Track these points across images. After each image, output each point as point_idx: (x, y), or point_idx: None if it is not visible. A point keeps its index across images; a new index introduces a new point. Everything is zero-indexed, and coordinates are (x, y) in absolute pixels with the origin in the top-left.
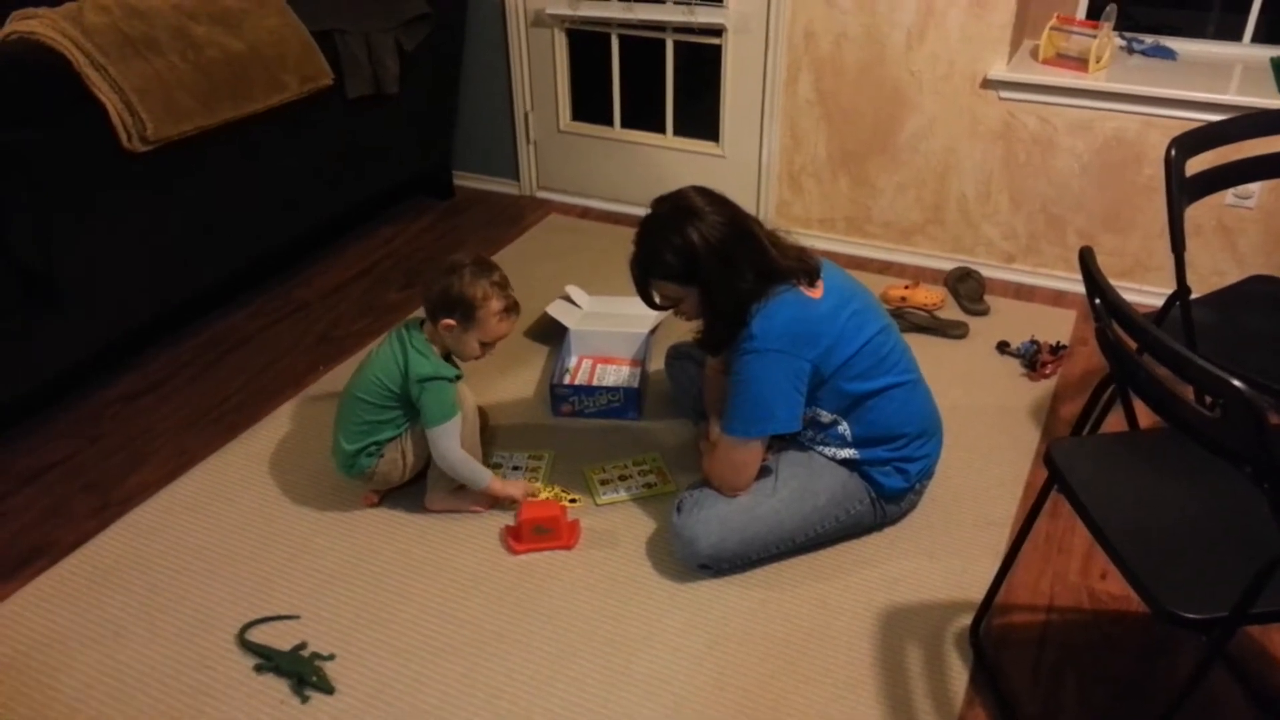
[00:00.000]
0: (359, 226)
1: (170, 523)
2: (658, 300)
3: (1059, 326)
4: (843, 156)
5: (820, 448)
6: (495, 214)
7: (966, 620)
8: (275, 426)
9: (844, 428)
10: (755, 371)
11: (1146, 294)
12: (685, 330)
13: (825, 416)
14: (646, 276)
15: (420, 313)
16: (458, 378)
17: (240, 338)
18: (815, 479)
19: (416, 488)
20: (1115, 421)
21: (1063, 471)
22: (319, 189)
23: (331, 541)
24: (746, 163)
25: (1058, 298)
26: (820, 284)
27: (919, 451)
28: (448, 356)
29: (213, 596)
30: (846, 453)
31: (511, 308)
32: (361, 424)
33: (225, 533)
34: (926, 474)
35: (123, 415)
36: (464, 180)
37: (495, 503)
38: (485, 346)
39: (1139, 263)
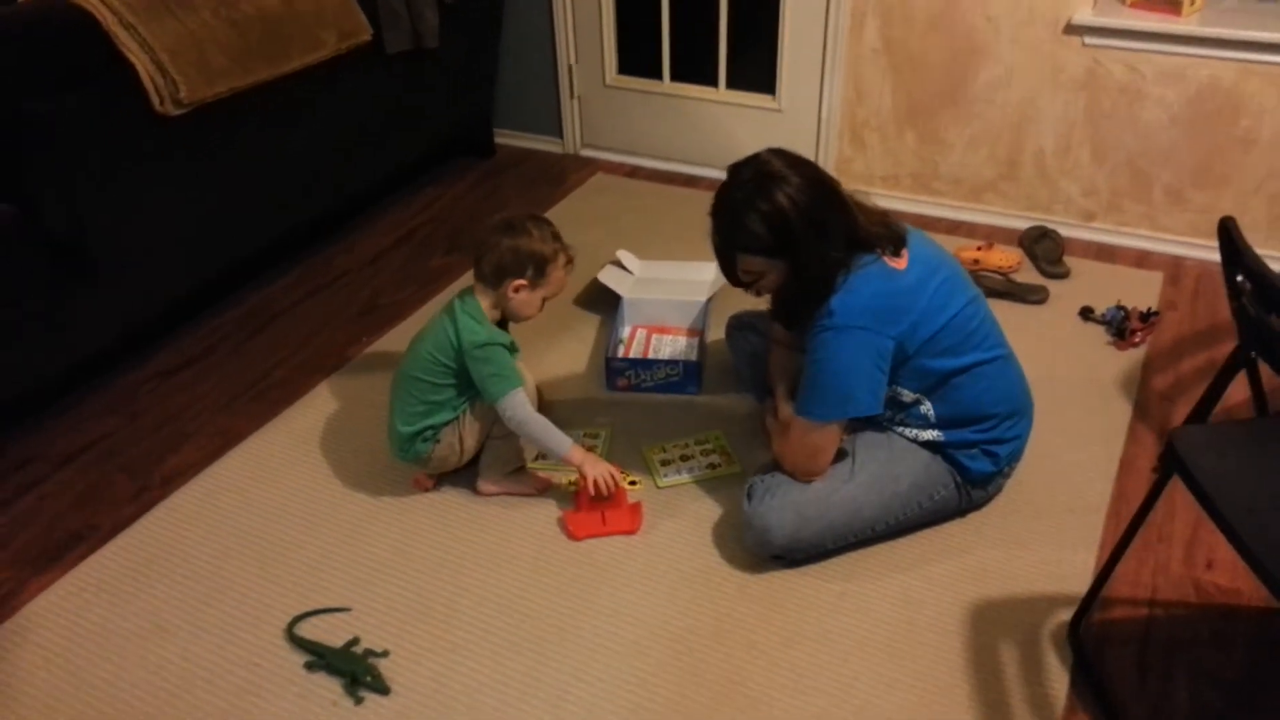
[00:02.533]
0: (398, 189)
1: (212, 506)
2: (742, 277)
3: (1145, 290)
4: (909, 109)
5: (900, 429)
6: (538, 173)
7: (1063, 616)
8: (319, 403)
9: (926, 408)
10: (835, 350)
11: None
12: (745, 298)
13: (907, 396)
14: (732, 250)
15: (467, 279)
16: (514, 346)
17: (279, 309)
18: (895, 463)
19: (468, 471)
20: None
21: (1186, 462)
22: (358, 152)
23: (383, 527)
24: (805, 117)
25: (1142, 258)
26: (905, 253)
27: (1009, 433)
28: (501, 325)
29: (259, 587)
30: (929, 434)
31: (571, 260)
32: (417, 405)
33: (270, 518)
34: (1016, 456)
35: (160, 392)
36: (505, 139)
37: (547, 487)
38: (543, 304)
39: None
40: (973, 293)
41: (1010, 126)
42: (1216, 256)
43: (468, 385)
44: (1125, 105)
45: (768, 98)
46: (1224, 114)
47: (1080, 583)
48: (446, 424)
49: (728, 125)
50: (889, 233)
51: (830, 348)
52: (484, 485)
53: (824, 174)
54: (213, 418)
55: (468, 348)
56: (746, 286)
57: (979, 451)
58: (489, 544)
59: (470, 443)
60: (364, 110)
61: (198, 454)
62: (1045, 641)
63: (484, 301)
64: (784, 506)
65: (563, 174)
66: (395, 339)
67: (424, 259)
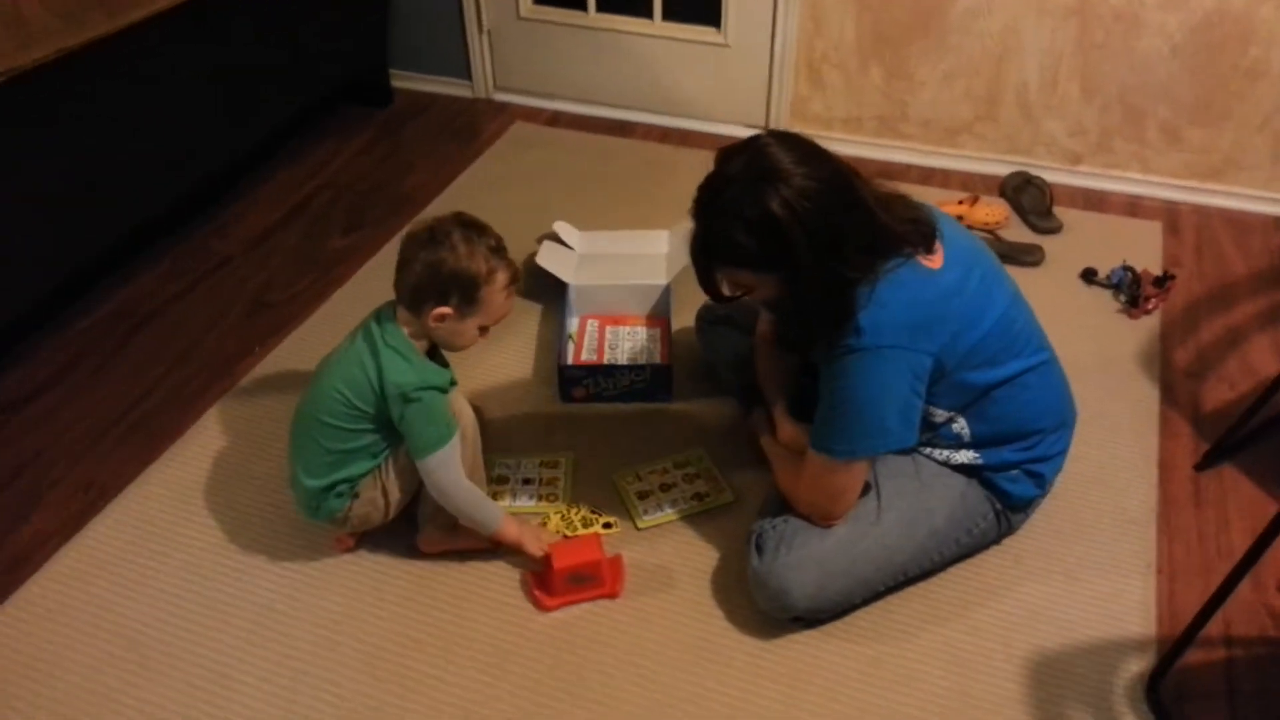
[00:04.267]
0: (280, 151)
1: (81, 595)
2: (725, 291)
3: (1145, 243)
4: (875, 41)
5: (928, 450)
6: (446, 124)
7: (1132, 666)
8: (206, 438)
9: (961, 425)
10: (865, 376)
11: (1237, 197)
12: None
13: (939, 415)
14: (711, 262)
15: (377, 267)
16: (452, 384)
17: (148, 310)
18: (927, 494)
19: (403, 523)
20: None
21: None
22: (228, 110)
23: (300, 607)
24: (755, 52)
25: (1133, 205)
26: (939, 247)
27: (1054, 448)
28: (432, 352)
29: (149, 700)
30: (964, 456)
31: (516, 277)
32: (326, 454)
33: (156, 603)
34: (1057, 472)
35: (3, 435)
36: (404, 82)
37: (500, 546)
38: (484, 331)
39: (1231, 161)
40: (1012, 287)
41: (990, 59)
42: (1213, 200)
43: (391, 429)
44: (1120, 34)
45: (711, 30)
46: (1230, 43)
47: (1141, 620)
48: (365, 475)
49: (665, 63)
50: (919, 228)
51: (859, 374)
52: (426, 542)
53: (840, 167)
54: (75, 465)
55: (393, 394)
56: (731, 300)
57: (1020, 473)
58: (439, 624)
59: (397, 494)
60: (230, 60)
61: (57, 520)
62: (1119, 702)
63: (406, 328)
64: (803, 562)
65: (475, 124)
66: (294, 348)
67: (321, 239)
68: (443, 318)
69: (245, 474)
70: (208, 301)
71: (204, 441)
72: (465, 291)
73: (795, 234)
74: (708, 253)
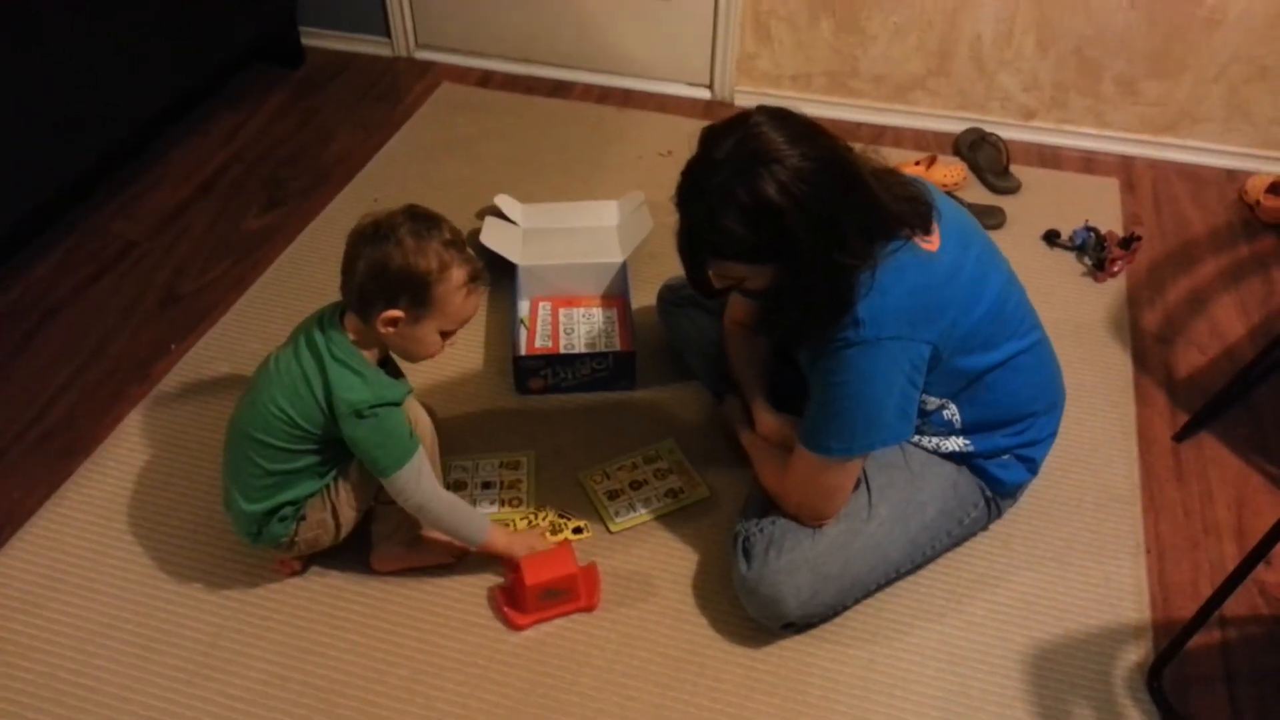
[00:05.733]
0: (185, 119)
1: None
2: (715, 283)
3: (1103, 201)
4: None
5: (917, 437)
6: (365, 86)
7: (1130, 654)
8: (125, 449)
9: (951, 412)
10: (864, 370)
11: (1191, 150)
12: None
13: (930, 403)
14: (700, 254)
15: (301, 249)
16: (409, 392)
17: (49, 305)
18: (918, 485)
19: (354, 539)
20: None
21: None
22: (122, 75)
23: (245, 640)
24: (699, 6)
25: (1088, 162)
26: (936, 228)
27: (1045, 430)
28: (384, 360)
29: None
30: (954, 443)
31: (477, 275)
32: (265, 476)
33: (79, 647)
34: (1047, 453)
35: None
36: (316, 39)
37: (465, 553)
38: (446, 336)
39: (1185, 113)
40: (1006, 265)
41: (943, 12)
42: (1167, 154)
43: (338, 447)
44: None
45: None
46: None
47: (1135, 605)
48: (312, 496)
49: (602, 18)
50: (915, 206)
51: (857, 367)
52: (381, 560)
53: (836, 144)
54: None
55: (344, 413)
56: (719, 294)
57: (1012, 458)
58: (401, 650)
59: (350, 514)
60: (128, 22)
61: None
62: (1121, 694)
63: (354, 336)
64: (795, 566)
65: (397, 85)
66: (215, 343)
67: (235, 219)
68: (393, 321)
69: (173, 490)
70: (113, 294)
71: (123, 454)
72: (415, 292)
73: (794, 220)
74: (696, 245)
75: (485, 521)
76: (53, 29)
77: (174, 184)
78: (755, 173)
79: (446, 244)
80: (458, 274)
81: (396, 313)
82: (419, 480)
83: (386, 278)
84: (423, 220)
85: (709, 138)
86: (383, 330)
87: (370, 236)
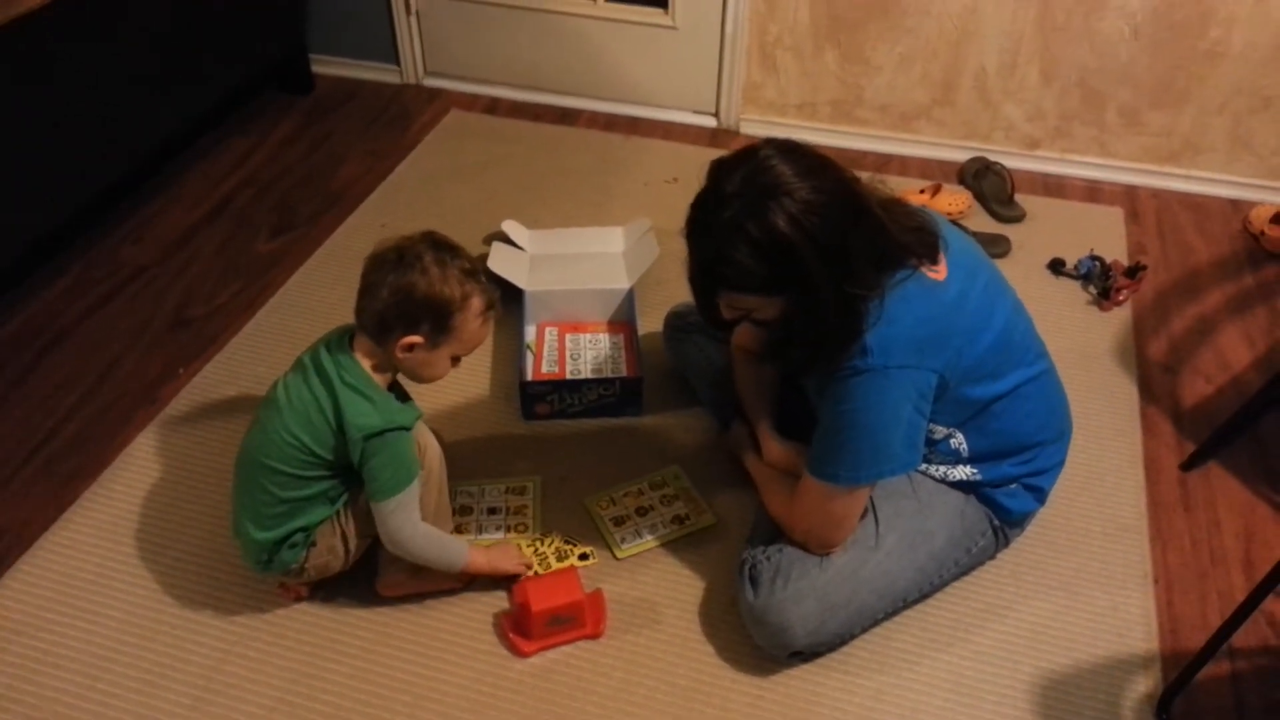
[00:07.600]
0: (196, 145)
1: None
2: (726, 315)
3: (1108, 230)
4: (830, 24)
5: (925, 466)
6: (375, 112)
7: (1140, 685)
8: (132, 474)
9: (959, 440)
10: (871, 399)
11: (1195, 180)
12: (683, 280)
13: (938, 431)
14: (711, 286)
15: (311, 273)
16: (418, 418)
17: (58, 329)
18: (927, 514)
19: (360, 566)
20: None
21: None
22: (136, 103)
23: (250, 666)
24: (705, 36)
25: (1093, 191)
26: (943, 257)
27: (1053, 459)
28: (393, 384)
29: None
30: (962, 472)
31: (492, 304)
32: (278, 504)
33: (82, 673)
34: (1055, 482)
35: None
36: (326, 67)
37: (471, 579)
38: (456, 362)
39: (1189, 144)
40: (1013, 295)
41: (948, 43)
42: (1170, 184)
43: (349, 473)
44: (1082, 16)
45: (658, 12)
46: (1191, 24)
47: (1143, 635)
48: (322, 523)
49: (609, 46)
50: (923, 236)
51: (865, 395)
52: (387, 585)
53: (844, 176)
54: None
55: (355, 439)
56: (729, 326)
57: (1019, 487)
58: (406, 677)
59: (357, 539)
60: (140, 51)
61: None
62: None
63: (366, 360)
64: (804, 595)
65: (406, 112)
66: (223, 367)
67: (245, 242)
68: (411, 347)
69: (180, 514)
70: (123, 318)
71: (130, 478)
72: (438, 319)
73: (805, 252)
74: (707, 278)
75: (464, 548)
76: (63, 58)
77: (185, 208)
78: (765, 206)
79: (466, 273)
80: (477, 302)
81: (416, 339)
82: (404, 511)
83: (411, 304)
84: (444, 248)
85: (718, 171)
86: (399, 355)
87: (393, 263)
